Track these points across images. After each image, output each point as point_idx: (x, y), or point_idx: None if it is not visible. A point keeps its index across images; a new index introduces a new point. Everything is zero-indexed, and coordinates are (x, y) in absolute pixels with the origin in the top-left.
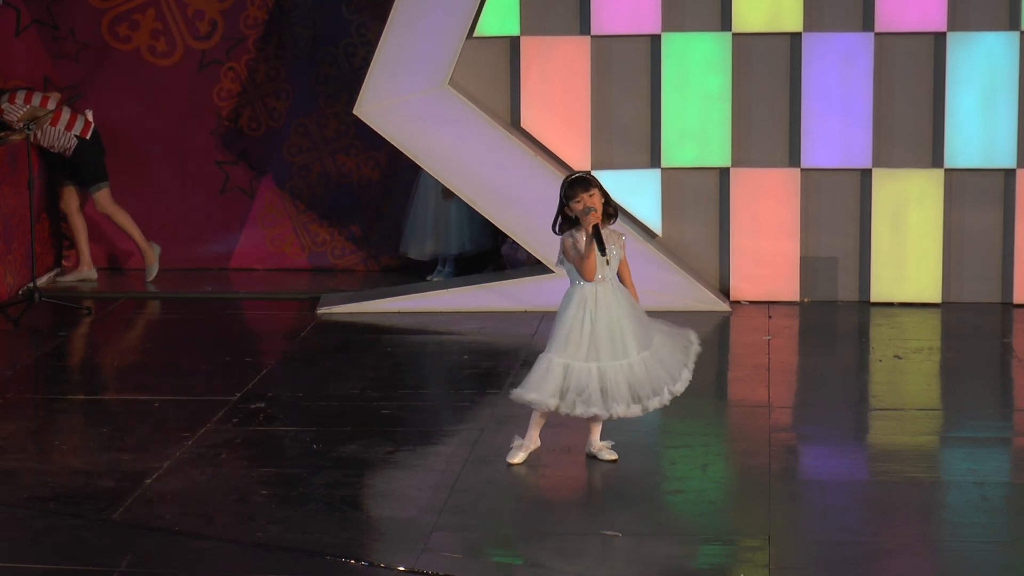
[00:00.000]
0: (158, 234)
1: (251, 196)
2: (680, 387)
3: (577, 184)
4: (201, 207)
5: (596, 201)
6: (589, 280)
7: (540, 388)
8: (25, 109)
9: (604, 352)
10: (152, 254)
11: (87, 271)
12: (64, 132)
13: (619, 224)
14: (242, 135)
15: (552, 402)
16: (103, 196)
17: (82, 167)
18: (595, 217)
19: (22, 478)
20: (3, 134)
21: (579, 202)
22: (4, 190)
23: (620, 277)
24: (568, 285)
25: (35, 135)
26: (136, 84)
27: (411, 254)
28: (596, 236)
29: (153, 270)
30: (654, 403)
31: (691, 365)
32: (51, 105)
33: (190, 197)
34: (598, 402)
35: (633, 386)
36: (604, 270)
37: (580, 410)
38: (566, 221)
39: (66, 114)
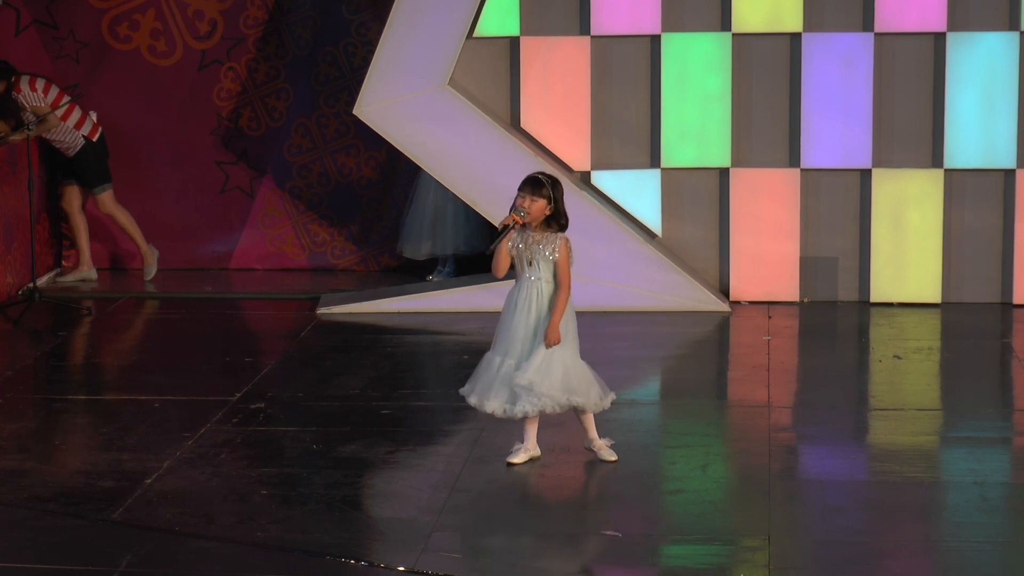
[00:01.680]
0: (158, 234)
1: (251, 196)
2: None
3: (528, 184)
4: (201, 207)
5: (535, 208)
6: (496, 275)
7: (475, 389)
8: (44, 103)
9: (516, 349)
10: (152, 256)
11: (87, 271)
12: (72, 130)
13: (618, 224)
14: (242, 135)
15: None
16: (107, 197)
17: (85, 169)
18: (512, 218)
19: (22, 478)
20: (2, 134)
21: (522, 199)
22: (4, 190)
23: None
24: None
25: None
26: (136, 84)
27: (407, 253)
28: (500, 232)
29: (151, 270)
30: (540, 405)
31: (577, 401)
32: (64, 100)
33: (190, 197)
34: (483, 392)
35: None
36: (528, 270)
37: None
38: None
39: (77, 113)
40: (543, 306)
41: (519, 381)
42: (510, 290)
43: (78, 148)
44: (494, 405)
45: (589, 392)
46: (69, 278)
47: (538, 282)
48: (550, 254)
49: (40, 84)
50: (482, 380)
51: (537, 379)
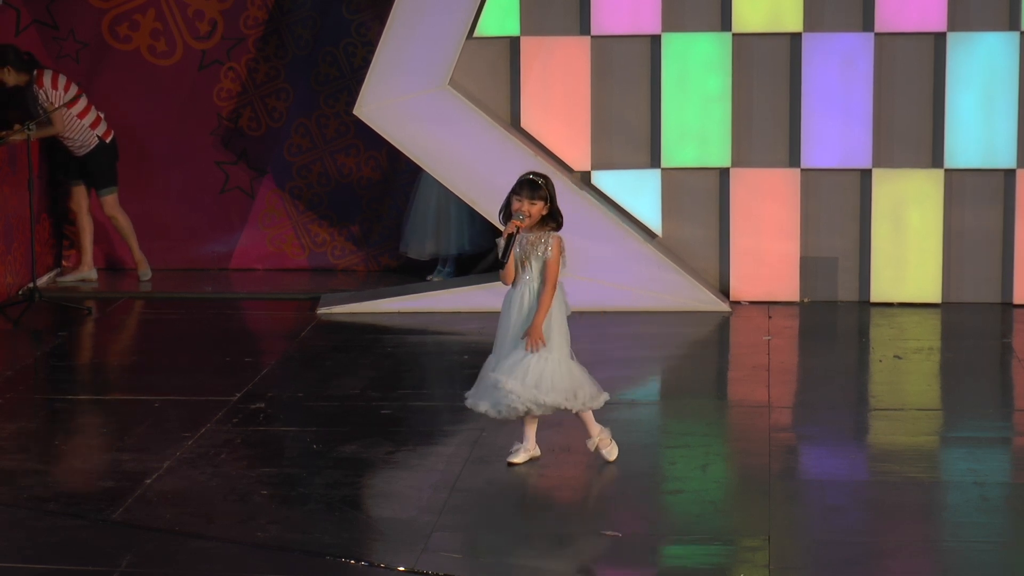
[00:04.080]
0: (158, 234)
1: (251, 196)
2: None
3: (526, 187)
4: (201, 207)
5: (535, 210)
6: (505, 284)
7: (476, 392)
8: (63, 100)
9: (506, 348)
10: (145, 264)
11: (87, 271)
12: (88, 129)
13: (618, 224)
14: (242, 135)
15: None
16: (113, 200)
17: (95, 169)
18: (516, 225)
19: (22, 478)
20: (3, 133)
21: (519, 202)
22: (4, 190)
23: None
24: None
25: (57, 125)
26: (136, 84)
27: (411, 254)
28: (508, 242)
29: (147, 274)
30: (515, 402)
31: (573, 404)
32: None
33: (190, 197)
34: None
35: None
36: (523, 272)
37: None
38: (507, 212)
39: (93, 113)
40: (533, 306)
41: (488, 379)
42: (508, 291)
43: (90, 148)
44: (485, 406)
45: (576, 392)
46: (69, 278)
47: (531, 282)
48: (542, 253)
49: (62, 81)
50: (480, 382)
51: (503, 377)
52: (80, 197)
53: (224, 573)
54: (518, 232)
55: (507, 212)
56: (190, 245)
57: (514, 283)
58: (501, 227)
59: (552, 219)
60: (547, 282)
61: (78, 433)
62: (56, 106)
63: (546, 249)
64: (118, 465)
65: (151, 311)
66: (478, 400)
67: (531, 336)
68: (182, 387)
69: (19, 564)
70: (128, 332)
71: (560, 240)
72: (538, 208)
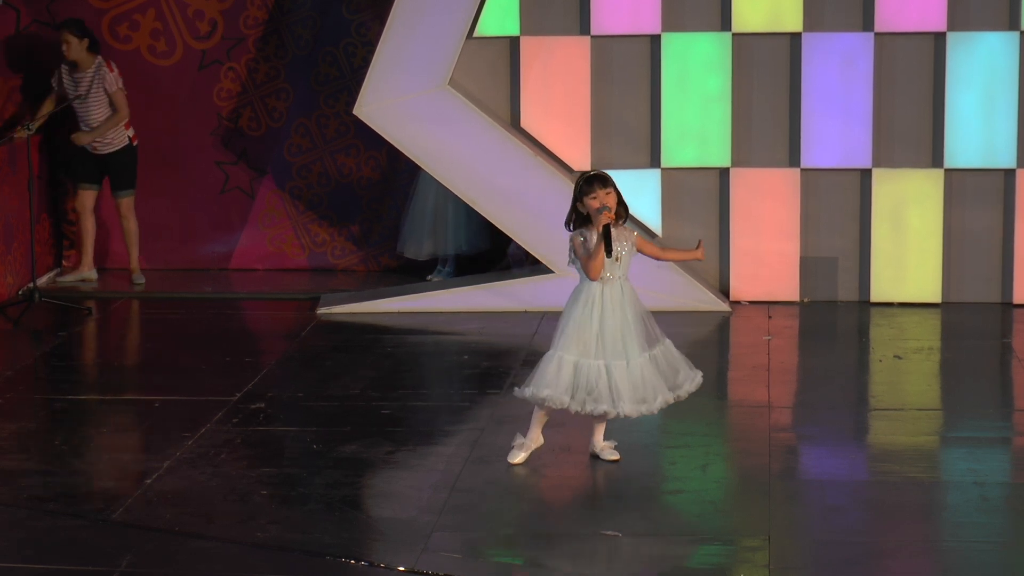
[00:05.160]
0: (158, 234)
1: (251, 196)
2: (687, 389)
3: (596, 180)
4: (201, 207)
5: (611, 200)
6: (594, 279)
7: (553, 385)
8: (119, 88)
9: (609, 350)
10: (139, 271)
11: (87, 271)
12: (122, 128)
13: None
14: (242, 135)
15: (565, 399)
16: (130, 203)
17: (119, 169)
18: (608, 216)
19: (22, 478)
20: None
21: (595, 198)
22: (4, 190)
23: (652, 256)
24: (576, 282)
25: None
26: (136, 84)
27: (408, 254)
28: (606, 235)
29: (140, 278)
30: (659, 403)
31: (695, 379)
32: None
33: (190, 197)
34: (607, 399)
35: (637, 386)
36: (613, 268)
37: (590, 407)
38: (579, 218)
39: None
40: (634, 298)
41: (681, 394)
42: (580, 292)
43: (117, 148)
44: (627, 407)
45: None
46: (69, 278)
47: (617, 280)
48: (630, 249)
49: (115, 69)
50: (599, 388)
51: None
52: (87, 199)
53: (224, 573)
54: (612, 224)
55: (579, 217)
56: (190, 245)
57: (591, 282)
58: (504, 229)
59: (622, 205)
60: (654, 251)
61: (78, 433)
62: (119, 95)
63: (631, 246)
64: (118, 465)
65: (151, 311)
66: (599, 405)
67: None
68: (182, 387)
69: (19, 564)
70: (128, 332)
71: (635, 232)
72: (613, 196)
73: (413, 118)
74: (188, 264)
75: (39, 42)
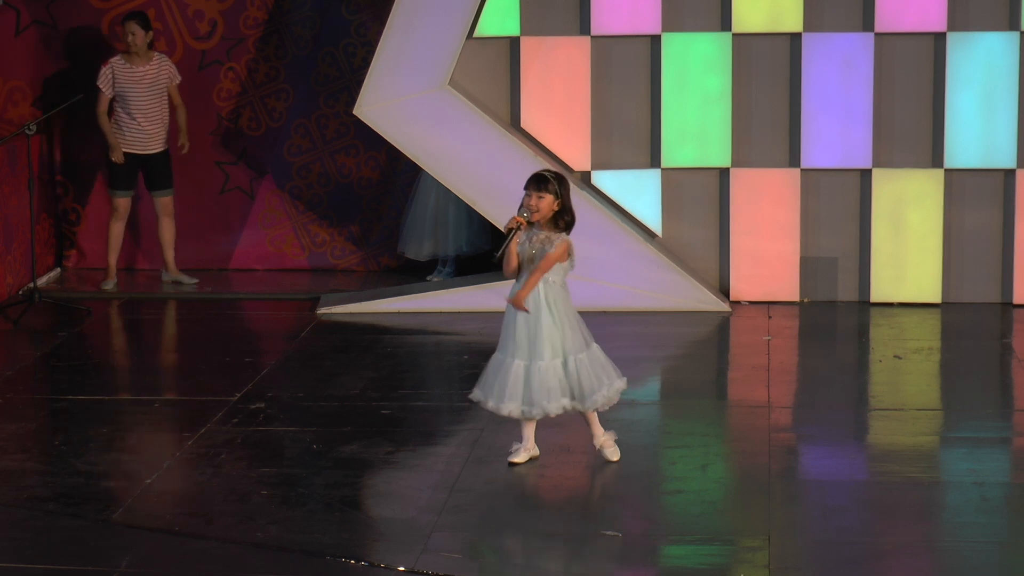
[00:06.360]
0: (158, 234)
1: (251, 196)
2: (598, 400)
3: (533, 181)
4: (201, 207)
5: (543, 204)
6: (507, 277)
7: (481, 384)
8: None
9: (522, 350)
10: (175, 269)
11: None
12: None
13: (618, 224)
14: (242, 135)
15: (479, 394)
16: (170, 201)
17: (161, 169)
18: (516, 220)
19: (22, 478)
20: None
21: (528, 196)
22: (4, 190)
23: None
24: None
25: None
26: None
27: (409, 254)
28: (507, 235)
29: (111, 283)
30: (553, 408)
31: (613, 386)
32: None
33: (190, 197)
34: (495, 395)
35: (535, 388)
36: (529, 269)
37: (510, 407)
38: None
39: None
40: (541, 304)
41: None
42: (512, 287)
43: (161, 148)
44: (511, 407)
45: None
46: (109, 285)
47: (542, 282)
48: (538, 253)
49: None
50: (496, 383)
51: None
52: (128, 206)
53: (224, 573)
54: (519, 228)
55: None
56: (190, 245)
57: (518, 282)
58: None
59: (563, 216)
60: (537, 268)
61: (78, 433)
62: (175, 93)
63: (550, 247)
64: (118, 465)
65: (151, 311)
66: (500, 401)
67: (515, 301)
68: (182, 387)
69: (19, 564)
70: (128, 332)
71: (569, 243)
72: (546, 203)
73: (413, 118)
74: (188, 264)
75: (38, 43)
